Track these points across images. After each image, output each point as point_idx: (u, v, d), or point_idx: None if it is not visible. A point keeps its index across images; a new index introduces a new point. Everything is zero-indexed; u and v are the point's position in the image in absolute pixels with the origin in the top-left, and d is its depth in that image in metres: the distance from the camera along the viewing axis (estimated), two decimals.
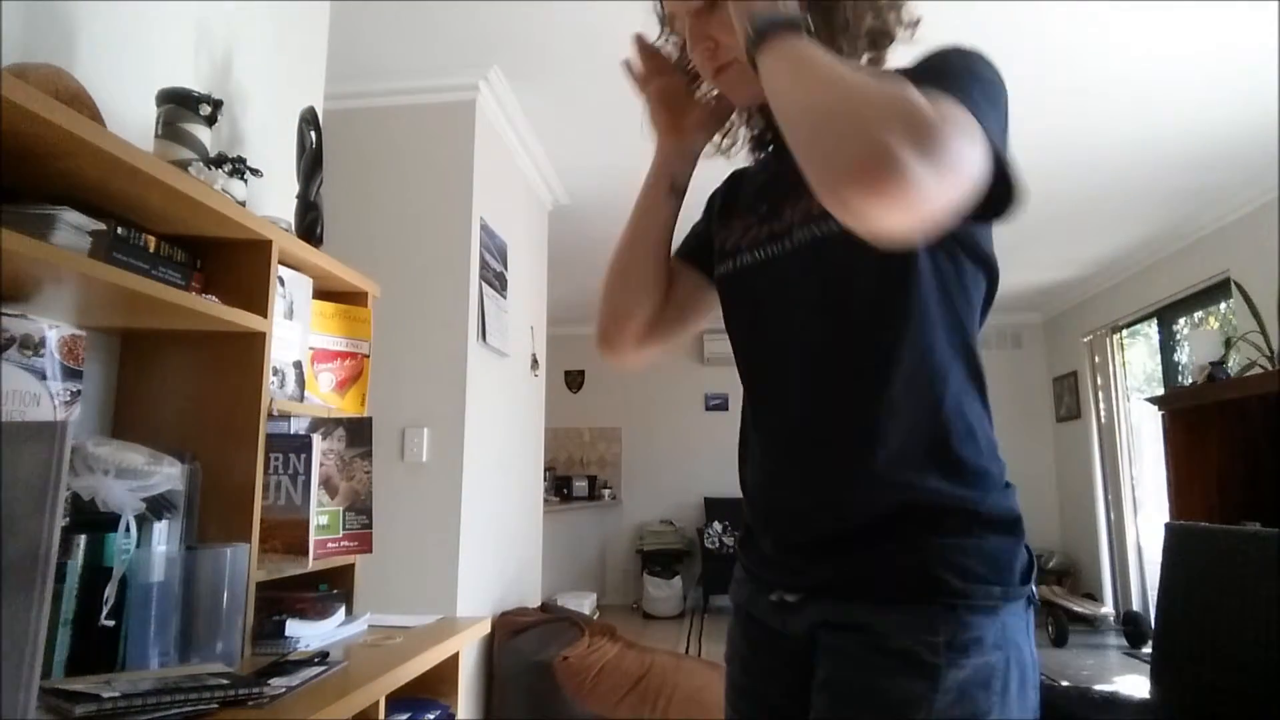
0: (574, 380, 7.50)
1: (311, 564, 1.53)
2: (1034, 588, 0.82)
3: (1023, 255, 5.29)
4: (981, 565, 0.77)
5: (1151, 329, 5.50)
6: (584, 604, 4.67)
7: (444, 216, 2.89)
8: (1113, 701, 1.51)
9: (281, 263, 1.53)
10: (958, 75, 0.73)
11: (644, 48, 1.02)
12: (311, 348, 1.71)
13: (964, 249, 0.84)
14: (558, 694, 2.77)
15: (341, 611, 1.59)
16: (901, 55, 0.87)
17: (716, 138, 1.05)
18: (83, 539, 1.12)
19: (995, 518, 0.80)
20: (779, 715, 0.90)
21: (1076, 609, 5.35)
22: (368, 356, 1.84)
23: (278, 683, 1.13)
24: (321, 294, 1.76)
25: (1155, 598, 1.65)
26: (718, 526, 6.52)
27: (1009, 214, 0.73)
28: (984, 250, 0.85)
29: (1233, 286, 4.07)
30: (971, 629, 0.75)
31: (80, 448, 1.15)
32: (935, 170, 0.60)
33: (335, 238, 1.87)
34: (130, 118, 1.40)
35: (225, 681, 1.06)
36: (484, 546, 2.92)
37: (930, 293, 0.81)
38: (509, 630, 2.99)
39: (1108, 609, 5.54)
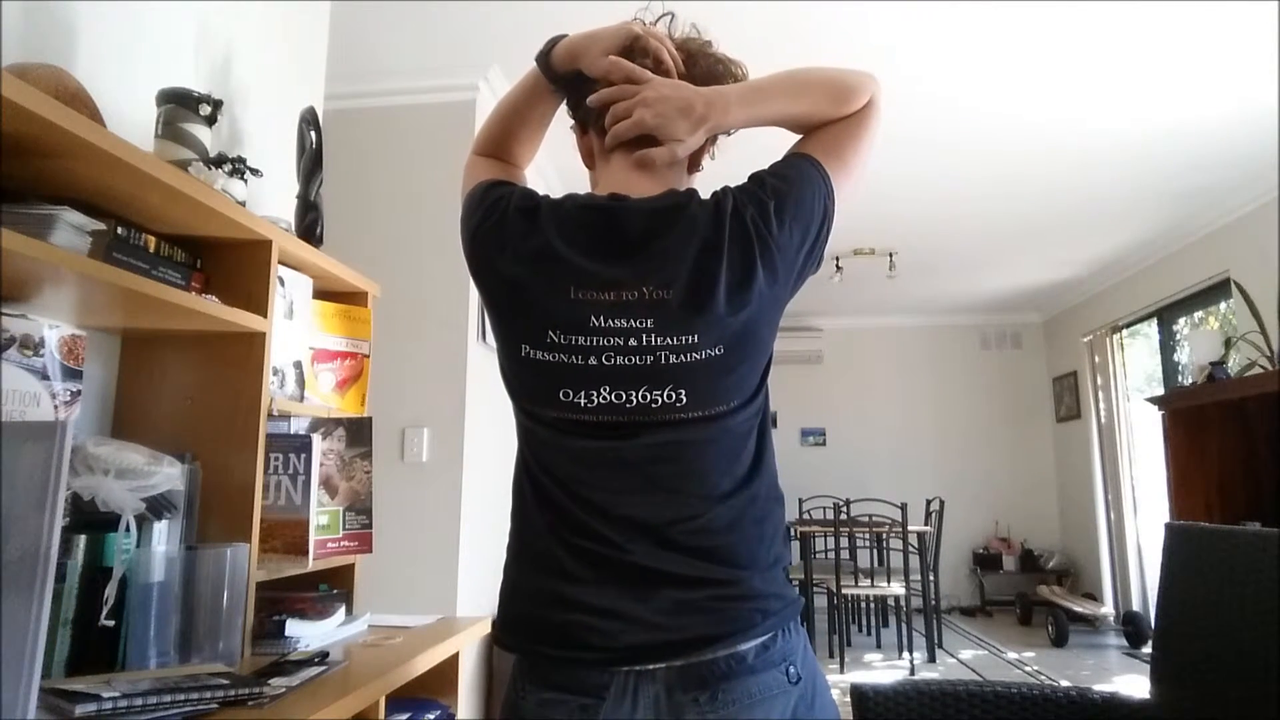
0: None
1: (311, 564, 1.53)
2: None
3: (1023, 255, 5.28)
4: None
5: (1151, 329, 5.49)
6: None
7: (444, 216, 2.88)
8: (1113, 701, 1.51)
9: (281, 263, 1.53)
10: None
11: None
12: (312, 348, 1.71)
13: None
14: None
15: (341, 611, 1.59)
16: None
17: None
18: (83, 539, 1.12)
19: None
20: None
21: (1076, 609, 5.35)
22: (368, 356, 1.84)
23: (278, 683, 1.13)
24: (321, 294, 1.76)
25: (1155, 598, 1.65)
26: None
27: None
28: None
29: (1233, 286, 4.06)
30: None
31: (80, 448, 1.15)
32: None
33: (335, 238, 1.87)
34: (130, 118, 1.39)
35: (225, 681, 1.06)
36: (484, 546, 2.92)
37: None
38: None
39: (1108, 609, 5.53)
